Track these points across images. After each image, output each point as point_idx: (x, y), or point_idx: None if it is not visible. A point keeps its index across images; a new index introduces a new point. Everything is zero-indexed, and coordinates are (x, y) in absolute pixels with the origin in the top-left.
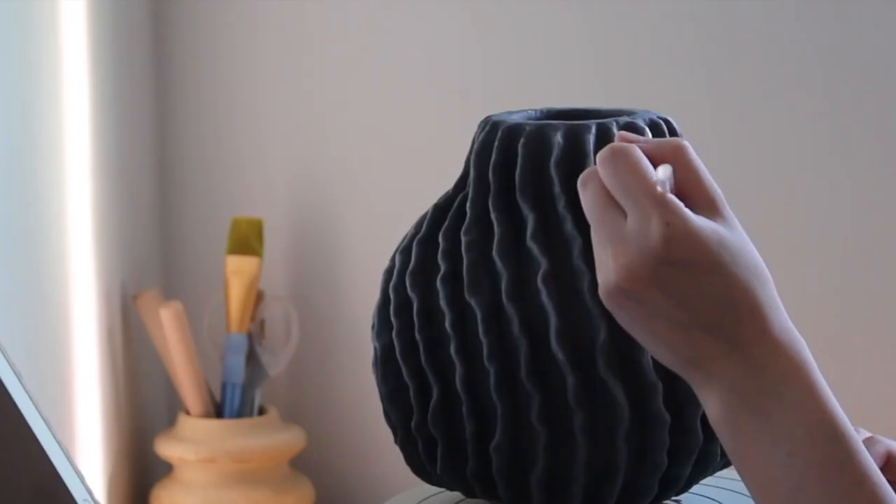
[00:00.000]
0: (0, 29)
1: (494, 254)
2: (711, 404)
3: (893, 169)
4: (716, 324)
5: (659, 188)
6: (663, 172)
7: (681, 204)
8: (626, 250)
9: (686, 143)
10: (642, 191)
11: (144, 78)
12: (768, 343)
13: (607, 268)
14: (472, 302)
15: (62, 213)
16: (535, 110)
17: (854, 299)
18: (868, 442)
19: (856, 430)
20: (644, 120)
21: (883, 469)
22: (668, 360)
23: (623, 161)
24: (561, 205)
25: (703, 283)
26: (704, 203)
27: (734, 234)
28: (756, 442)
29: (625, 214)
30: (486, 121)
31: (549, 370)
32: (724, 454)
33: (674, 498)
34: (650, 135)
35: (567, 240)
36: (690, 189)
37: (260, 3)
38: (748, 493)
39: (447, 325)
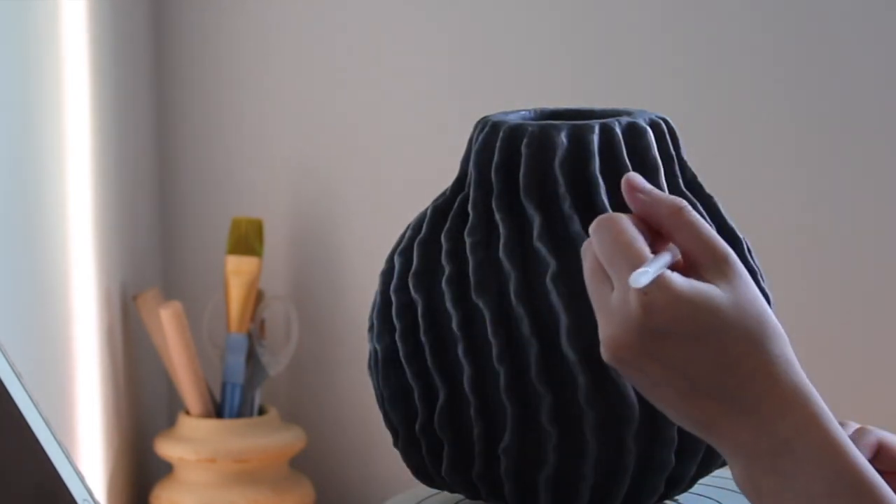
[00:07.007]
0: (0, 29)
1: (501, 254)
2: (733, 466)
3: (894, 169)
4: (718, 388)
5: (645, 264)
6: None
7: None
8: (610, 321)
9: (683, 203)
10: (624, 261)
11: (144, 78)
12: (775, 399)
13: (600, 336)
14: (480, 303)
15: (62, 214)
16: (529, 110)
17: (853, 299)
18: (858, 433)
19: (845, 423)
20: (644, 120)
21: (873, 460)
22: (682, 425)
23: (607, 231)
24: (567, 205)
25: (695, 351)
26: (707, 262)
27: (734, 293)
28: (779, 501)
29: (612, 284)
30: (483, 121)
31: (560, 370)
32: None
33: (673, 498)
34: (652, 138)
35: (574, 239)
36: (691, 250)
37: (260, 4)
38: None
39: (454, 326)
